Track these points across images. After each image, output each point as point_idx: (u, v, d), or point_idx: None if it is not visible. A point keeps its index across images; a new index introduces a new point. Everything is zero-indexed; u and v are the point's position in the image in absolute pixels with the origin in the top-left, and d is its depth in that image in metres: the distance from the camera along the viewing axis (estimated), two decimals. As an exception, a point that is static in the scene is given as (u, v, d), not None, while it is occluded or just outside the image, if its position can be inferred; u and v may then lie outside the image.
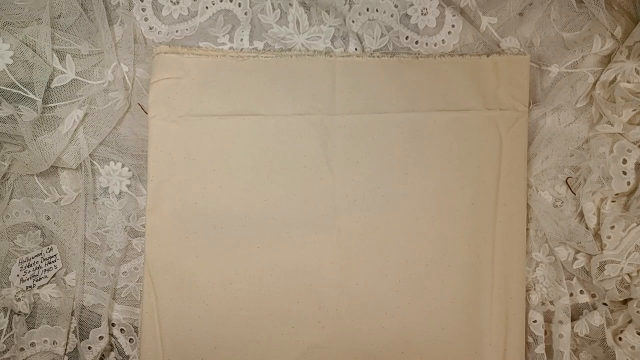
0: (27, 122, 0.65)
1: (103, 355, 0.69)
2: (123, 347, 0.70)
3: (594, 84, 0.68)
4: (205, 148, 0.68)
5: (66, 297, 0.69)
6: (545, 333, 0.68)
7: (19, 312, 0.68)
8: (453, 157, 0.67)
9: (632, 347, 0.64)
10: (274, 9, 0.70)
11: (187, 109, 0.68)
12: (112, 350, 0.70)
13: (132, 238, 0.71)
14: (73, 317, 0.69)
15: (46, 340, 0.69)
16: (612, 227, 0.65)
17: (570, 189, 0.69)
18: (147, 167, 0.68)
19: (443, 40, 0.71)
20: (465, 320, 0.66)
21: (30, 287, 0.69)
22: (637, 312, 0.63)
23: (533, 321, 0.67)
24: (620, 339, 0.65)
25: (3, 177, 0.69)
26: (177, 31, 0.71)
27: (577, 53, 0.68)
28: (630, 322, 0.65)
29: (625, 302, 0.66)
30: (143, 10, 0.70)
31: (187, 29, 0.71)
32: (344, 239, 0.67)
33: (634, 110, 0.65)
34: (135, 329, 0.70)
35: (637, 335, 0.64)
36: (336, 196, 0.67)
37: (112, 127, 0.69)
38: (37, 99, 0.65)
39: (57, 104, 0.68)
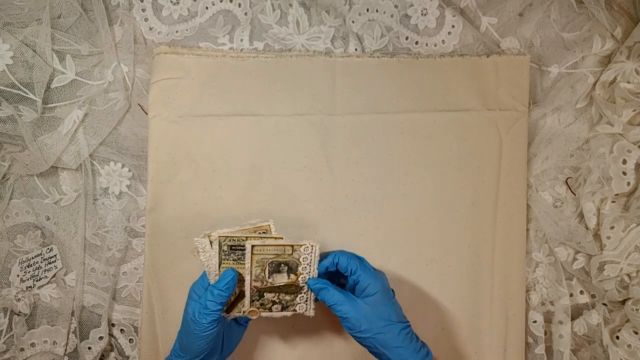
0: (27, 123, 0.65)
1: (103, 355, 0.69)
2: (123, 347, 0.70)
3: (594, 85, 0.68)
4: (206, 148, 0.68)
5: (66, 297, 0.69)
6: (545, 333, 0.68)
7: (19, 312, 0.68)
8: (453, 157, 0.68)
9: (629, 345, 0.64)
10: (274, 10, 0.70)
11: (187, 109, 0.68)
12: (112, 350, 0.70)
13: (132, 238, 0.71)
14: (73, 317, 0.69)
15: (46, 341, 0.69)
16: (612, 227, 0.65)
17: (570, 189, 0.69)
18: (147, 167, 0.68)
19: (443, 40, 0.71)
20: (465, 321, 0.66)
21: (30, 287, 0.69)
22: (633, 310, 0.63)
23: (533, 321, 0.68)
24: (617, 337, 0.65)
25: (3, 177, 0.69)
26: (177, 31, 0.71)
27: (577, 53, 0.68)
28: (627, 321, 0.65)
29: (624, 302, 0.66)
30: (143, 10, 0.70)
31: (187, 29, 0.71)
32: (343, 240, 0.67)
33: (634, 110, 0.65)
34: (135, 329, 0.70)
35: (634, 335, 0.64)
36: (336, 196, 0.67)
37: (112, 127, 0.69)
38: (37, 99, 0.65)
39: (57, 104, 0.68)
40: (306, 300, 0.56)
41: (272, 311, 0.57)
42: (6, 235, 0.69)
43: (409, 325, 0.55)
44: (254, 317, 0.56)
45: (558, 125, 0.69)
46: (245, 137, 0.68)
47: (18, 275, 0.69)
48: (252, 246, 0.54)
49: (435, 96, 0.68)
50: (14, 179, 0.70)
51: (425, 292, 0.67)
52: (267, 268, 0.54)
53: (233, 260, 0.55)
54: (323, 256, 0.57)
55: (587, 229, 0.67)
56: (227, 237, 0.54)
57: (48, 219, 0.70)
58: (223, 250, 0.55)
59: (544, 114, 0.69)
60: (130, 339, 0.70)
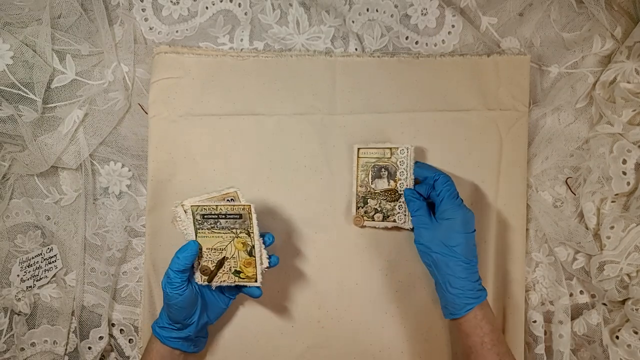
0: (27, 123, 0.65)
1: (103, 355, 0.69)
2: (123, 347, 0.70)
3: (594, 84, 0.68)
4: (206, 148, 0.68)
5: (66, 297, 0.69)
6: (545, 333, 0.68)
7: (19, 312, 0.68)
8: (453, 157, 0.68)
9: (629, 345, 0.64)
10: (274, 9, 0.70)
11: (187, 109, 0.68)
12: (112, 350, 0.70)
13: (132, 238, 0.71)
14: (73, 317, 0.69)
15: (46, 340, 0.69)
16: (612, 227, 0.65)
17: (570, 189, 0.69)
18: (147, 167, 0.68)
19: (443, 40, 0.70)
20: (465, 320, 0.66)
21: (30, 287, 0.69)
22: (633, 310, 0.63)
23: (533, 321, 0.68)
24: (617, 337, 0.65)
25: (3, 177, 0.69)
26: (177, 31, 0.71)
27: (577, 53, 0.68)
28: (627, 321, 0.65)
29: (624, 302, 0.66)
30: (143, 10, 0.70)
31: (187, 29, 0.71)
32: (343, 239, 0.67)
33: (634, 110, 0.65)
34: (136, 328, 0.70)
35: (634, 334, 0.64)
36: (336, 196, 0.67)
37: (112, 127, 0.69)
38: (37, 99, 0.65)
39: (57, 104, 0.68)
40: (404, 211, 0.63)
41: (374, 220, 0.64)
42: (6, 235, 0.69)
43: (471, 263, 0.56)
44: (359, 225, 0.65)
45: (558, 125, 0.69)
46: (245, 136, 0.68)
47: (18, 275, 0.69)
48: (358, 149, 0.64)
49: (436, 96, 0.68)
50: (14, 179, 0.70)
51: (425, 292, 0.67)
52: (370, 172, 0.63)
53: (207, 228, 0.56)
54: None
55: (587, 228, 0.67)
56: (199, 206, 0.55)
57: (48, 218, 0.70)
58: (196, 219, 0.56)
59: (544, 113, 0.69)
60: (130, 339, 0.70)
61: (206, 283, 0.58)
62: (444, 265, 0.56)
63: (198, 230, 0.56)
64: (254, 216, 0.55)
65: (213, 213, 0.55)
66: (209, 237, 0.56)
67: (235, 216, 0.55)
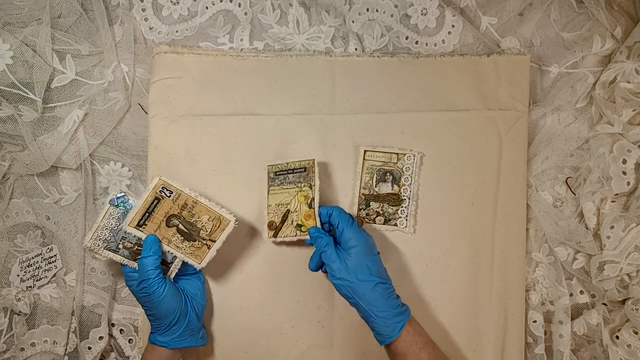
0: (27, 122, 0.65)
1: (103, 355, 0.69)
2: (122, 347, 0.70)
3: (594, 84, 0.68)
4: (206, 148, 0.68)
5: (66, 297, 0.69)
6: (545, 333, 0.68)
7: (19, 312, 0.68)
8: (453, 157, 0.68)
9: (629, 345, 0.64)
10: (274, 9, 0.70)
11: (187, 109, 0.68)
12: (112, 350, 0.70)
13: (132, 238, 0.71)
14: (73, 317, 0.69)
15: (46, 340, 0.69)
16: (612, 227, 0.65)
17: (570, 189, 0.69)
18: (147, 167, 0.68)
19: (443, 40, 0.71)
20: (464, 319, 0.66)
21: (30, 287, 0.69)
22: (633, 310, 0.63)
23: (533, 321, 0.68)
24: (617, 337, 0.65)
25: (3, 177, 0.69)
26: (177, 31, 0.71)
27: (577, 53, 0.68)
28: (627, 321, 0.65)
29: (624, 302, 0.66)
30: (143, 10, 0.70)
31: (187, 29, 0.71)
32: (344, 239, 0.67)
33: (634, 110, 0.65)
34: (135, 328, 0.70)
35: (634, 334, 0.64)
36: (336, 196, 0.67)
37: (112, 127, 0.69)
38: (37, 99, 0.65)
39: (57, 104, 0.68)
40: (407, 216, 0.65)
41: (375, 222, 0.66)
42: (6, 235, 0.69)
43: (388, 283, 0.58)
44: (361, 226, 0.63)
45: (558, 125, 0.69)
46: (245, 136, 0.68)
47: (18, 275, 0.69)
48: (365, 151, 0.65)
49: (436, 96, 0.68)
50: (14, 179, 0.70)
51: (425, 292, 0.67)
52: (375, 176, 0.65)
53: (278, 185, 0.63)
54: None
55: (587, 228, 0.67)
56: (274, 165, 0.63)
57: (48, 218, 0.70)
58: (270, 177, 0.63)
59: (544, 113, 0.69)
60: (130, 339, 0.70)
61: (272, 238, 0.62)
62: (364, 291, 0.56)
63: (270, 188, 0.63)
64: (316, 168, 0.61)
65: (284, 169, 0.62)
66: (278, 194, 0.62)
67: (301, 169, 0.61)
